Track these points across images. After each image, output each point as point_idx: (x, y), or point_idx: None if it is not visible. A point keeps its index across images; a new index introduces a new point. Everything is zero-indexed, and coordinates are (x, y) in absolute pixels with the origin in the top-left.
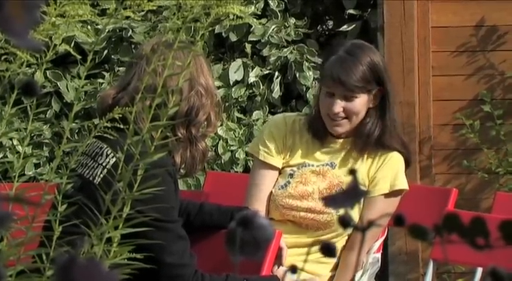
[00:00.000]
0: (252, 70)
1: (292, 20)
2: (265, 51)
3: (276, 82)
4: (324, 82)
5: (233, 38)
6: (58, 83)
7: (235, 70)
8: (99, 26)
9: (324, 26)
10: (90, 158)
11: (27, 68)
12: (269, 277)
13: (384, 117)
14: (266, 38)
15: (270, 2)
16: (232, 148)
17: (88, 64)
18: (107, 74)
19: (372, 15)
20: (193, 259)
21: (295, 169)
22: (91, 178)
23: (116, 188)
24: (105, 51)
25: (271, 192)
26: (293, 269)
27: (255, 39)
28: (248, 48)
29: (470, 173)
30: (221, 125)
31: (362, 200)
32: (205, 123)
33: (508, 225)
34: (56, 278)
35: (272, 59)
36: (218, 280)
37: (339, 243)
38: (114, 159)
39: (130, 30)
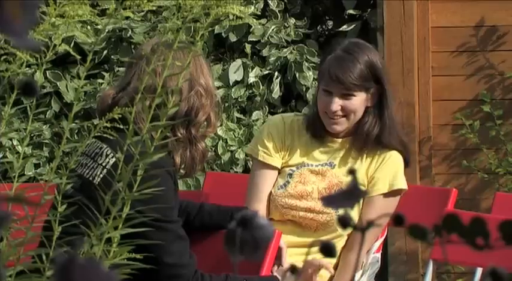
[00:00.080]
0: (252, 70)
1: (292, 20)
2: (265, 52)
3: (276, 82)
4: (322, 80)
5: (233, 38)
6: (58, 83)
7: (235, 70)
8: (98, 26)
9: (324, 26)
10: (90, 158)
11: (26, 69)
12: (269, 277)
13: (382, 116)
14: (266, 38)
15: (270, 2)
16: (232, 148)
17: (88, 64)
18: (106, 74)
19: (371, 15)
20: (193, 259)
21: (294, 168)
22: (91, 178)
23: (116, 188)
24: (105, 52)
25: (271, 192)
26: (293, 269)
27: (254, 39)
28: (248, 48)
29: (470, 174)
30: (221, 125)
31: (361, 200)
32: (205, 123)
33: (507, 225)
34: (55, 278)
35: (272, 59)
36: (218, 280)
37: (339, 243)
38: (113, 159)
39: (130, 31)
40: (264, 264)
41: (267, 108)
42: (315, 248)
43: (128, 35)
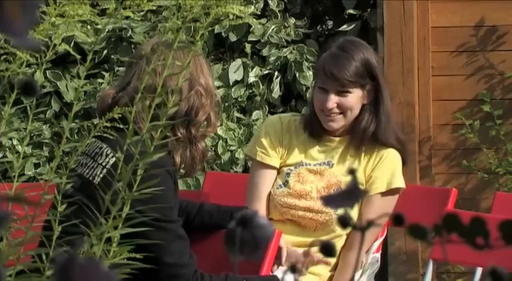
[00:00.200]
0: (252, 70)
1: (292, 20)
2: (264, 51)
3: (276, 82)
4: (318, 78)
5: (233, 38)
6: (58, 83)
7: (234, 70)
8: (98, 26)
9: (324, 26)
10: (90, 158)
11: (26, 68)
12: (269, 277)
13: (378, 113)
14: (266, 38)
15: (270, 2)
16: (232, 148)
17: (88, 64)
18: (106, 74)
19: (371, 15)
20: (193, 259)
21: (292, 168)
22: (91, 178)
23: (116, 188)
24: (105, 51)
25: (270, 192)
26: (293, 269)
27: (254, 39)
28: (248, 48)
29: (469, 173)
30: (221, 125)
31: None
32: (205, 123)
33: (507, 225)
34: (55, 278)
35: (272, 59)
36: (218, 280)
37: (338, 243)
38: (113, 159)
39: (130, 30)
40: (264, 264)
41: (267, 108)
42: (315, 248)
43: (128, 34)
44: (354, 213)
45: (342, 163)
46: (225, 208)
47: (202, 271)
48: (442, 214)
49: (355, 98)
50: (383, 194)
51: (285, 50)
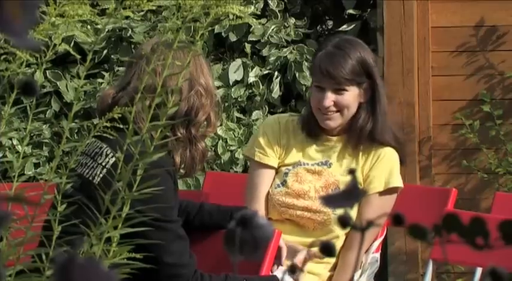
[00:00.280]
0: (252, 70)
1: (292, 20)
2: (264, 51)
3: (276, 82)
4: (314, 76)
5: (233, 38)
6: (57, 83)
7: (234, 70)
8: (98, 26)
9: (324, 26)
10: (90, 157)
11: (26, 68)
12: (268, 277)
13: (375, 111)
14: (266, 38)
15: (270, 2)
16: (232, 148)
17: (87, 64)
18: (106, 74)
19: (371, 15)
20: (193, 259)
21: (290, 167)
22: (90, 178)
23: (116, 187)
24: (105, 51)
25: (269, 191)
26: (292, 269)
27: (254, 39)
28: (248, 48)
29: (469, 173)
30: (221, 125)
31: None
32: (205, 123)
33: (507, 225)
34: (55, 278)
35: (272, 59)
36: (217, 280)
37: (337, 243)
38: (113, 159)
39: (130, 30)
40: (264, 264)
41: (267, 108)
42: (314, 248)
43: (128, 34)
44: (352, 213)
45: (339, 162)
46: (225, 208)
47: (202, 271)
48: (442, 214)
49: (351, 96)
50: (381, 193)
51: (285, 50)
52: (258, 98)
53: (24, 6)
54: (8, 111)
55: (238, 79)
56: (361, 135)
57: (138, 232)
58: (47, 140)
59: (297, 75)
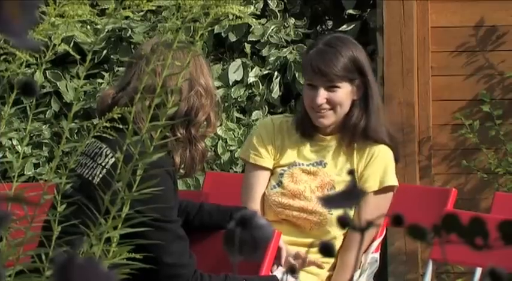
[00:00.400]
0: (252, 70)
1: (292, 20)
2: (264, 51)
3: (276, 82)
4: (305, 75)
5: (232, 38)
6: (57, 83)
7: (234, 70)
8: (98, 26)
9: (324, 26)
10: (90, 158)
11: (26, 68)
12: (268, 277)
13: (368, 108)
14: (265, 38)
15: (270, 2)
16: (232, 148)
17: (87, 64)
18: (106, 74)
19: (371, 15)
20: (193, 259)
21: (285, 168)
22: (90, 178)
23: (115, 188)
24: (105, 51)
25: (265, 192)
26: (292, 270)
27: (254, 39)
28: (247, 48)
29: (469, 173)
30: (220, 125)
31: None
32: (205, 123)
33: (507, 225)
34: (54, 278)
35: (271, 59)
36: (217, 280)
37: (335, 243)
38: (113, 159)
39: (130, 30)
40: (264, 264)
41: (267, 108)
42: (313, 249)
43: (128, 34)
44: (349, 214)
45: (334, 161)
46: (224, 208)
47: (201, 271)
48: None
49: (344, 93)
50: (376, 192)
51: (284, 50)
52: (257, 98)
53: (23, 6)
54: (8, 111)
55: (238, 79)
56: (355, 133)
57: (138, 232)
58: (46, 141)
59: (296, 75)
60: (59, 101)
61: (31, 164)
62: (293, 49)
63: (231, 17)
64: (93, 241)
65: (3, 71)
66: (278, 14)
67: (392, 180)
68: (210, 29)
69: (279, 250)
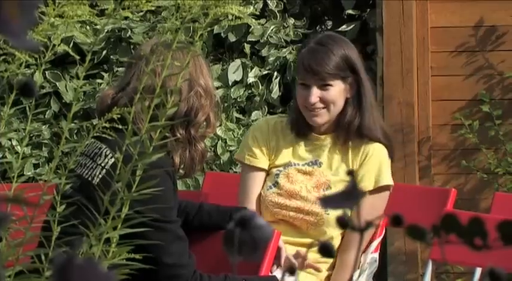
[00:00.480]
0: (251, 70)
1: (291, 20)
2: (264, 52)
3: (275, 82)
4: (298, 74)
5: (232, 38)
6: (57, 84)
7: (234, 70)
8: (97, 27)
9: (323, 26)
10: (89, 158)
11: (26, 69)
12: (268, 277)
13: (361, 106)
14: (265, 39)
15: (269, 2)
16: (231, 148)
17: (87, 64)
18: (105, 75)
19: (370, 15)
20: (192, 260)
21: (281, 168)
22: (90, 178)
23: (115, 188)
24: (104, 52)
25: (261, 193)
26: (291, 270)
27: (254, 39)
28: (247, 48)
29: (469, 174)
30: (220, 125)
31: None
32: (205, 124)
33: (506, 225)
34: (53, 278)
35: (271, 59)
36: (217, 280)
37: (334, 242)
38: (112, 159)
39: (129, 31)
40: (263, 264)
41: (266, 108)
42: (312, 248)
43: (127, 35)
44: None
45: (329, 161)
46: (224, 208)
47: (201, 272)
48: (441, 214)
49: (337, 91)
50: (371, 192)
51: (284, 50)
52: (257, 99)
53: (22, 6)
54: (8, 112)
55: (238, 79)
56: (349, 131)
57: (138, 232)
58: (46, 141)
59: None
60: (59, 102)
61: (31, 164)
62: (292, 49)
63: (230, 17)
64: (92, 242)
65: (3, 71)
66: (277, 14)
67: (388, 179)
68: (209, 29)
69: (278, 250)
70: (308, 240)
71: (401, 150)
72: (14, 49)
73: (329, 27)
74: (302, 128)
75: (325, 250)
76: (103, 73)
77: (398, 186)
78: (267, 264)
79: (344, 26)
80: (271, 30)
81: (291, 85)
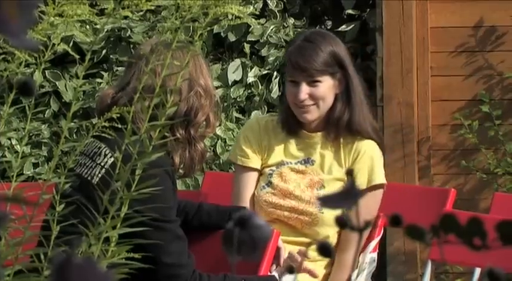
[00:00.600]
0: (251, 70)
1: (291, 20)
2: (263, 51)
3: (275, 82)
4: (287, 71)
5: (232, 38)
6: (56, 83)
7: (233, 70)
8: (97, 26)
9: (323, 26)
10: (89, 157)
11: (25, 68)
12: (267, 277)
13: (350, 101)
14: (265, 38)
15: (269, 2)
16: (231, 148)
17: (86, 64)
18: (105, 74)
19: (370, 15)
20: (191, 259)
21: (274, 168)
22: (89, 178)
23: (114, 187)
24: (104, 51)
25: (254, 193)
26: (290, 269)
27: (253, 39)
28: (247, 48)
29: (468, 174)
30: (220, 125)
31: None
32: (204, 124)
33: (505, 225)
34: (52, 278)
35: (271, 59)
36: (216, 280)
37: (330, 241)
38: (112, 159)
39: (129, 30)
40: (262, 264)
41: (266, 108)
42: (310, 247)
43: (127, 34)
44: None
45: (322, 158)
46: (223, 208)
47: (200, 271)
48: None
49: (326, 87)
50: (364, 191)
51: (284, 50)
52: (257, 98)
53: (21, 6)
54: (7, 111)
55: (237, 79)
56: (339, 127)
57: (137, 232)
58: (45, 140)
59: None
60: (58, 101)
61: (30, 163)
62: None
63: (230, 17)
64: (91, 241)
65: (3, 70)
66: (277, 14)
67: (380, 178)
68: (209, 29)
69: (277, 249)
70: (303, 239)
71: (401, 150)
72: (14, 48)
73: (329, 27)
74: (293, 126)
75: (324, 249)
76: (103, 72)
77: (398, 186)
78: (266, 264)
79: (344, 26)
80: (271, 30)
81: None
